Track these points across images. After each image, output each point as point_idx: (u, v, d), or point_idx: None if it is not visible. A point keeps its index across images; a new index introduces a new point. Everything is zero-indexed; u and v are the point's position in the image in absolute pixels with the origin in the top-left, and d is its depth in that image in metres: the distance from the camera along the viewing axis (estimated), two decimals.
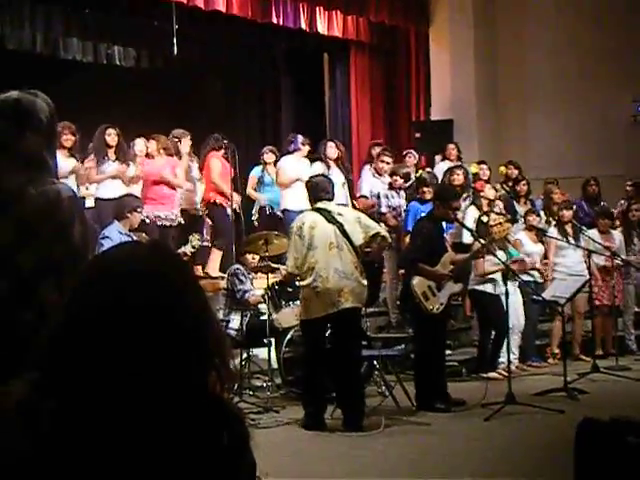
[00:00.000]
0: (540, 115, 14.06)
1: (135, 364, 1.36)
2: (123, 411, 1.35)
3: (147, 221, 9.37)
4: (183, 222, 9.97)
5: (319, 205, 7.30)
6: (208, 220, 10.62)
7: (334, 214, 7.18)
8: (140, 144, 10.06)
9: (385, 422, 7.10)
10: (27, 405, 1.34)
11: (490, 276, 9.02)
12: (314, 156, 10.96)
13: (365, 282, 7.11)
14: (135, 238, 7.86)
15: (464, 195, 10.31)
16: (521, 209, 11.00)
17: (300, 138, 10.99)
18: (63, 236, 3.01)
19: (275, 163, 11.08)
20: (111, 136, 9.61)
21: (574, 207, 10.75)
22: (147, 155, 9.96)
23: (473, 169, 11.42)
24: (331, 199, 7.40)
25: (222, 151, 10.19)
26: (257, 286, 8.77)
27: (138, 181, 9.79)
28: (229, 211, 10.13)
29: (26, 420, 1.33)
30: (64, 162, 8.94)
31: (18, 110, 3.10)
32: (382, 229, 7.55)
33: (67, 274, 2.89)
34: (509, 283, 8.04)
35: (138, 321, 1.38)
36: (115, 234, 8.28)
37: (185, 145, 10.27)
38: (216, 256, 10.19)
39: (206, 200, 10.25)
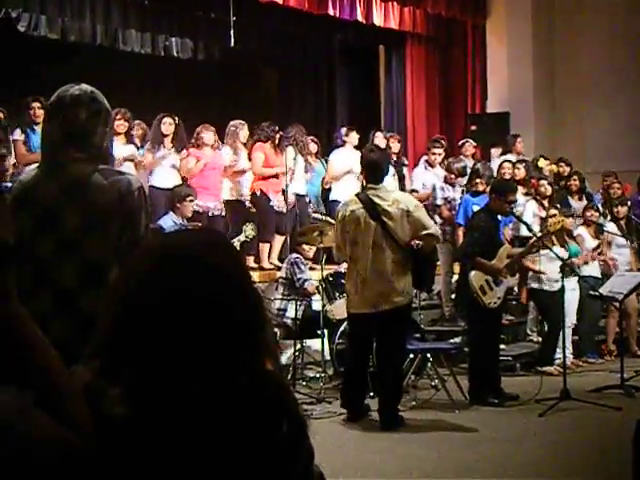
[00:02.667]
0: (597, 108, 13.83)
1: (198, 352, 1.38)
2: (185, 399, 1.37)
3: (200, 210, 9.43)
4: (225, 213, 9.98)
5: (369, 192, 6.98)
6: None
7: (380, 209, 6.83)
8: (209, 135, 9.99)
9: (436, 416, 7.07)
10: (94, 390, 1.36)
11: (548, 272, 8.85)
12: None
13: (404, 281, 6.82)
14: (190, 227, 7.91)
15: (524, 190, 10.23)
16: (576, 204, 10.81)
17: (343, 130, 11.01)
18: (131, 226, 3.10)
19: (316, 154, 11.09)
20: (166, 125, 9.62)
21: (629, 203, 10.56)
22: (199, 146, 9.89)
23: (540, 164, 11.33)
24: (381, 180, 7.04)
25: (269, 142, 10.18)
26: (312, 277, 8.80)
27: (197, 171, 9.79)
28: (274, 202, 10.10)
29: (93, 405, 1.35)
30: (121, 148, 9.01)
31: (95, 102, 3.19)
32: (433, 228, 7.08)
33: None
34: (570, 279, 7.89)
35: (201, 310, 1.39)
36: (170, 224, 8.37)
37: (242, 136, 10.28)
38: (264, 248, 10.19)
39: (251, 191, 10.28)
